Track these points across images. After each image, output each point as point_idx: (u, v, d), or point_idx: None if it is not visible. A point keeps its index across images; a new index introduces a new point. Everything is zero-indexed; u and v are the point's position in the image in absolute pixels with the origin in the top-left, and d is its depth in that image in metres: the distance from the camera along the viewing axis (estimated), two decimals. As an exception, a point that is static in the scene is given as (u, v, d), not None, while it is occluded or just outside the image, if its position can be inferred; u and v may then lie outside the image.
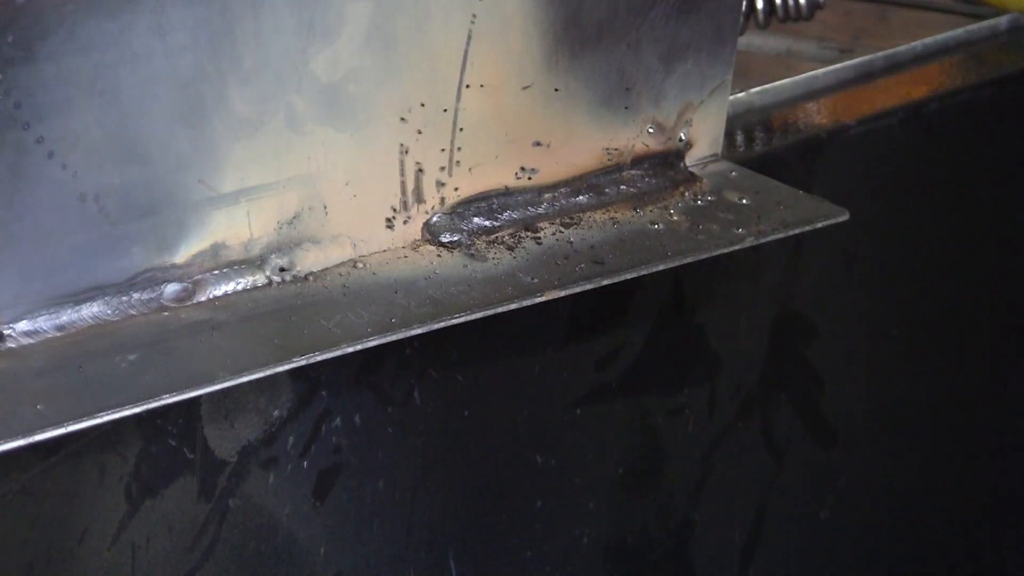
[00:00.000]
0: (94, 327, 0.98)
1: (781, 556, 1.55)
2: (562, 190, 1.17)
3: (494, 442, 1.24)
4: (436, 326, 1.02)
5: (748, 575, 1.51)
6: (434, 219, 1.11)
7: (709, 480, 1.43)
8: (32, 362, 0.94)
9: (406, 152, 1.08)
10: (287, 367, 0.97)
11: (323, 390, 1.10)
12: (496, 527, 1.26)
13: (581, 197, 1.18)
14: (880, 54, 1.58)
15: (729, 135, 1.29)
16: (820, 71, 1.53)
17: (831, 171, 1.45)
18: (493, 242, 1.13)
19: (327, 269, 1.07)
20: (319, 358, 0.98)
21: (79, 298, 0.97)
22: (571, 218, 1.16)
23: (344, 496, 1.14)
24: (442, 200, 1.12)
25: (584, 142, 1.17)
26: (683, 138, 1.23)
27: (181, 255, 1.01)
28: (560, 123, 1.15)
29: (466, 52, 1.08)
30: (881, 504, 1.65)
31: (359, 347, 0.99)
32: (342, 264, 1.08)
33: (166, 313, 1.01)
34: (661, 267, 1.13)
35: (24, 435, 0.87)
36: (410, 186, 1.10)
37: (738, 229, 1.17)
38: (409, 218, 1.11)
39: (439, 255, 1.10)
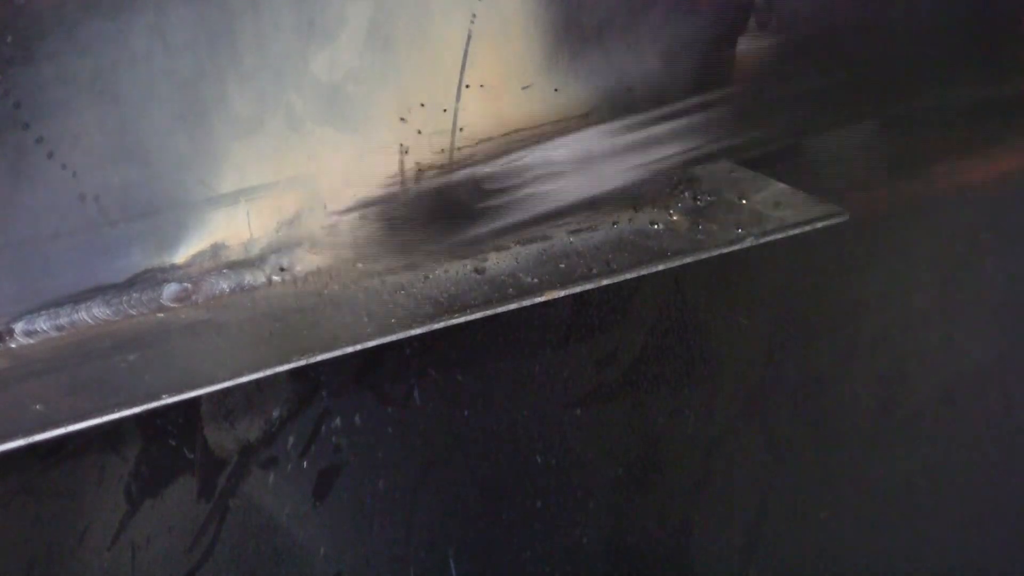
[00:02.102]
0: (94, 327, 0.98)
1: (781, 556, 1.55)
2: (562, 190, 1.17)
3: (494, 442, 1.24)
4: (436, 326, 1.02)
5: (748, 575, 1.51)
6: (434, 219, 1.11)
7: (709, 480, 1.43)
8: (32, 362, 0.94)
9: (406, 152, 1.08)
10: (287, 367, 0.97)
11: (323, 390, 1.10)
12: (496, 527, 1.26)
13: (581, 197, 1.18)
14: (880, 54, 1.58)
15: (729, 135, 1.29)
16: (820, 71, 1.52)
17: (829, 171, 1.44)
18: (494, 242, 1.12)
19: (327, 269, 1.07)
20: (319, 358, 0.98)
21: (79, 298, 0.97)
22: (571, 218, 1.16)
23: (344, 496, 1.14)
24: (442, 200, 1.12)
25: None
26: (683, 138, 1.22)
27: (181, 255, 1.01)
28: (560, 123, 1.15)
29: (466, 52, 1.08)
30: (881, 504, 1.65)
31: (359, 347, 0.99)
32: (342, 264, 1.08)
33: (166, 313, 1.01)
34: (661, 267, 1.13)
35: (24, 435, 0.87)
36: (410, 186, 1.09)
37: (738, 229, 1.17)
38: (409, 218, 1.11)
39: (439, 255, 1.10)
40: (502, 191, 1.13)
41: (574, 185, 1.13)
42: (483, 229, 1.11)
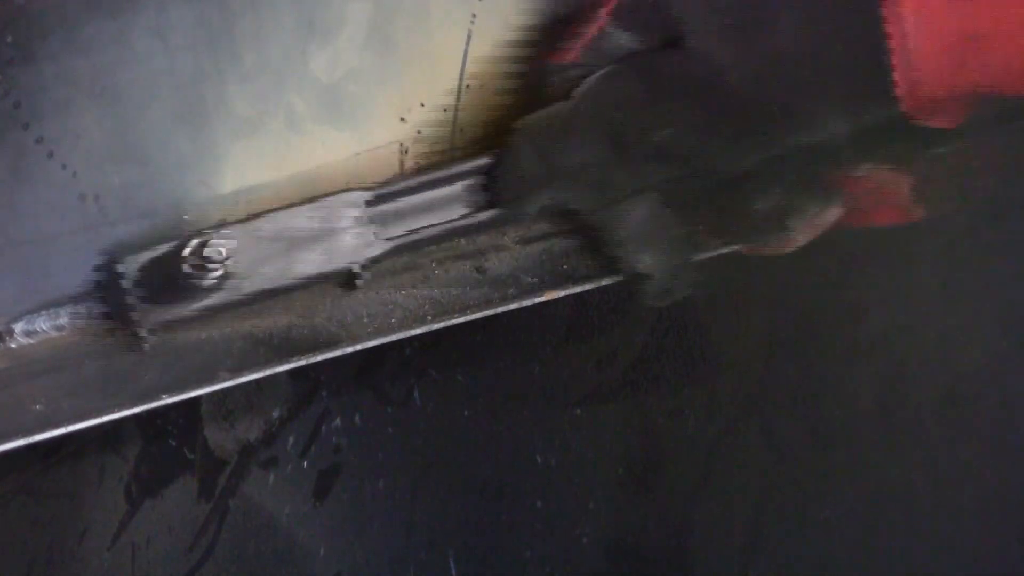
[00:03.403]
0: (94, 327, 0.98)
1: (781, 556, 1.55)
2: (562, 190, 1.17)
3: (494, 442, 1.24)
4: (436, 326, 1.02)
5: (748, 575, 1.51)
6: (434, 219, 1.11)
7: (709, 480, 1.43)
8: (32, 362, 0.94)
9: (406, 152, 1.08)
10: (287, 367, 0.97)
11: (323, 390, 1.10)
12: (496, 527, 1.26)
13: (581, 197, 1.17)
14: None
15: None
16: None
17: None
18: (494, 242, 1.12)
19: (327, 269, 1.07)
20: (319, 358, 0.98)
21: (79, 298, 0.97)
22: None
23: (344, 496, 1.14)
24: (442, 200, 1.11)
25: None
26: (683, 138, 1.22)
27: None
28: (560, 123, 1.15)
29: (466, 52, 1.08)
30: (881, 504, 1.64)
31: (359, 347, 0.99)
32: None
33: (166, 313, 1.01)
34: (661, 267, 1.13)
35: (24, 435, 0.87)
36: (410, 186, 1.10)
37: (738, 229, 1.17)
38: (409, 218, 1.11)
39: (440, 255, 1.10)
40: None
41: None
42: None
